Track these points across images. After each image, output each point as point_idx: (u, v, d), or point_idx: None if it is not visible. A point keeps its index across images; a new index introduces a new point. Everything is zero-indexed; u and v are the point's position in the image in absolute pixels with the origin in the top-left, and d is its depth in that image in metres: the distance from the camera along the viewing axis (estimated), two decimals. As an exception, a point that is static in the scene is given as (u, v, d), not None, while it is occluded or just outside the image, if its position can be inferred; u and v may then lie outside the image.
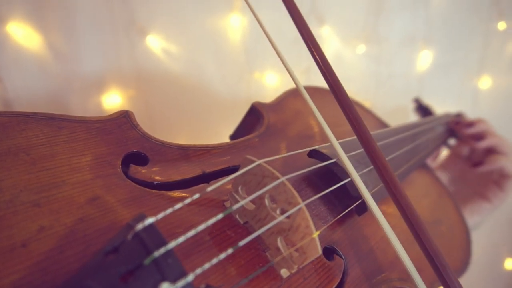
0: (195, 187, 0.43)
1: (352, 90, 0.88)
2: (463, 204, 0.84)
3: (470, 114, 1.05)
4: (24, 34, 0.70)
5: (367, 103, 1.16)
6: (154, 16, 0.83)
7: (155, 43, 0.84)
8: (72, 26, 0.74)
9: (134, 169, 0.41)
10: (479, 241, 0.75)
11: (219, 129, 0.96)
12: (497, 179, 0.85)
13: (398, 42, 1.18)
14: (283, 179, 0.36)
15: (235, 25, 0.92)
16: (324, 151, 0.50)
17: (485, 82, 1.29)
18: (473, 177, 0.89)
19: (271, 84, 1.00)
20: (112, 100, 0.81)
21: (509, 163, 0.83)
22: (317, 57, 0.45)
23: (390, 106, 1.19)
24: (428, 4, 1.17)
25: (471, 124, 0.90)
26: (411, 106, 1.08)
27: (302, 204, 0.35)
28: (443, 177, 0.92)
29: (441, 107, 1.09)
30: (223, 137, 0.91)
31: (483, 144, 0.86)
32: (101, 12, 0.76)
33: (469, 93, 1.30)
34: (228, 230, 0.39)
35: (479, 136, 0.88)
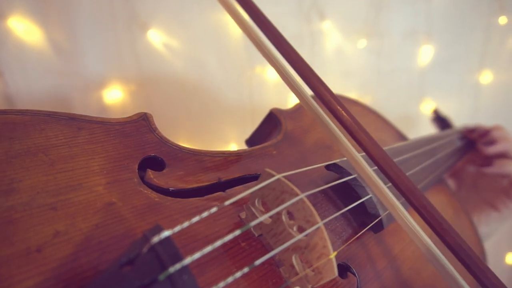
0: (211, 195, 0.42)
1: (353, 84, 0.87)
2: (471, 212, 0.82)
3: (471, 108, 1.03)
4: (25, 29, 0.70)
5: (367, 98, 1.15)
6: (156, 11, 0.82)
7: (156, 38, 0.84)
8: (73, 21, 0.74)
9: (151, 174, 0.41)
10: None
11: (219, 124, 0.95)
12: (506, 187, 0.82)
13: (399, 36, 1.17)
14: (302, 196, 0.36)
15: (236, 20, 0.92)
16: (343, 165, 0.49)
17: (486, 77, 1.28)
18: (483, 185, 0.87)
19: (272, 79, 1.00)
20: (113, 95, 0.81)
21: None
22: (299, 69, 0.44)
23: (392, 101, 1.17)
24: None
25: (486, 132, 0.88)
26: (414, 103, 1.06)
27: (320, 223, 0.35)
28: (451, 184, 0.90)
29: (442, 101, 1.08)
30: (225, 132, 0.91)
31: (494, 149, 0.84)
32: (102, 7, 0.76)
33: (470, 88, 1.29)
34: (243, 242, 0.39)
35: (492, 142, 0.86)
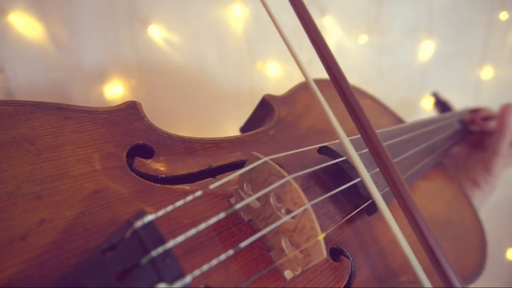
0: (200, 181, 0.42)
1: (354, 80, 0.87)
2: None
3: (472, 104, 1.03)
4: (25, 25, 0.70)
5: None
6: (156, 6, 0.82)
7: (157, 33, 0.83)
8: (73, 16, 0.73)
9: (139, 162, 0.41)
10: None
11: (221, 119, 0.95)
12: (486, 162, 0.83)
13: (400, 32, 1.16)
14: (289, 178, 0.35)
15: (237, 15, 0.91)
16: (334, 148, 0.49)
17: (487, 73, 1.27)
18: (470, 164, 0.87)
19: (273, 74, 0.99)
20: (114, 91, 0.81)
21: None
22: (320, 48, 0.43)
23: (393, 97, 1.17)
24: None
25: (489, 117, 0.88)
26: (415, 97, 1.05)
27: (308, 205, 0.34)
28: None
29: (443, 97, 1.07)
30: (226, 127, 0.90)
31: (493, 124, 0.85)
32: (103, 2, 0.76)
33: (471, 84, 1.28)
34: (233, 227, 0.39)
35: (491, 117, 0.86)
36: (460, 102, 1.04)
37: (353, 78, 1.07)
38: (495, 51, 1.25)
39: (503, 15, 1.21)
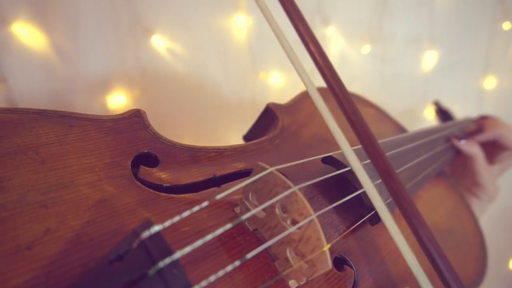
0: (205, 191, 0.42)
1: (357, 90, 0.87)
2: None
3: (475, 114, 1.03)
4: (28, 35, 0.70)
5: None
6: (159, 16, 0.82)
7: (160, 43, 0.83)
8: (76, 26, 0.74)
9: (144, 171, 0.41)
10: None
11: (224, 129, 0.95)
12: (473, 176, 0.83)
13: (403, 42, 1.17)
14: (295, 188, 0.35)
15: (240, 25, 0.91)
16: (339, 158, 0.49)
17: (490, 82, 1.27)
18: (469, 173, 0.87)
19: (276, 84, 1.00)
20: (117, 100, 0.81)
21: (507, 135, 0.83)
22: (316, 56, 0.43)
23: (396, 107, 1.18)
24: (433, 4, 1.15)
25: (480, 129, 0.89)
26: (418, 107, 1.06)
27: (313, 216, 0.34)
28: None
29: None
30: (228, 137, 0.90)
31: (483, 137, 0.85)
32: (106, 12, 0.76)
33: (474, 93, 1.29)
34: (238, 237, 0.38)
35: (481, 130, 0.87)
36: (463, 112, 1.04)
37: (356, 87, 1.08)
38: (498, 61, 1.25)
39: (506, 25, 1.21)
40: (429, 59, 1.20)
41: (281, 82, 0.99)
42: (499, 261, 1.32)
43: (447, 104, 1.07)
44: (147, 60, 0.83)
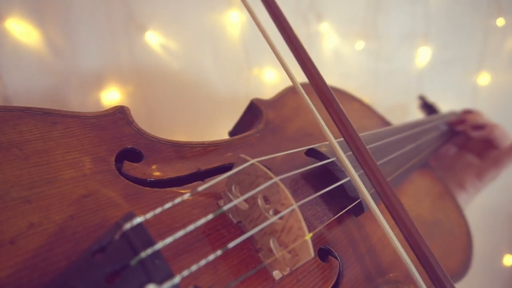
0: (189, 185, 0.42)
1: (351, 86, 0.88)
2: None
3: None
4: (22, 31, 0.70)
5: (365, 100, 1.15)
6: (153, 12, 0.82)
7: (154, 39, 0.84)
8: (70, 22, 0.74)
9: (128, 166, 0.41)
10: (478, 237, 0.75)
11: (218, 125, 0.95)
12: (481, 170, 0.84)
13: (397, 38, 1.17)
14: (276, 179, 0.36)
15: (234, 21, 0.92)
16: (322, 149, 0.50)
17: (484, 79, 1.28)
18: (457, 166, 0.89)
19: (270, 80, 1.00)
20: (111, 96, 0.81)
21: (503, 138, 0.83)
22: (295, 51, 0.44)
23: (389, 103, 1.18)
24: (427, 0, 1.16)
25: (478, 126, 0.89)
26: (412, 103, 1.07)
27: (295, 206, 0.35)
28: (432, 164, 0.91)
29: (440, 103, 1.09)
30: (222, 134, 0.91)
31: (480, 134, 0.86)
32: (100, 8, 0.76)
33: (468, 90, 1.30)
34: (222, 229, 0.39)
35: (480, 127, 0.87)
36: (456, 107, 1.05)
37: (350, 84, 1.09)
38: (492, 57, 1.26)
39: (500, 21, 1.22)
40: (423, 55, 1.21)
41: (274, 78, 1.00)
42: (493, 257, 1.33)
43: (442, 100, 1.08)
44: (141, 56, 0.83)
